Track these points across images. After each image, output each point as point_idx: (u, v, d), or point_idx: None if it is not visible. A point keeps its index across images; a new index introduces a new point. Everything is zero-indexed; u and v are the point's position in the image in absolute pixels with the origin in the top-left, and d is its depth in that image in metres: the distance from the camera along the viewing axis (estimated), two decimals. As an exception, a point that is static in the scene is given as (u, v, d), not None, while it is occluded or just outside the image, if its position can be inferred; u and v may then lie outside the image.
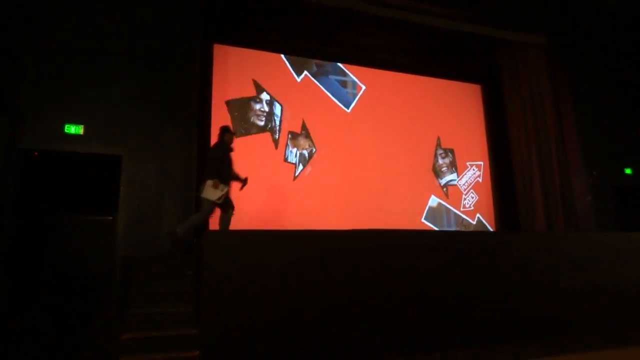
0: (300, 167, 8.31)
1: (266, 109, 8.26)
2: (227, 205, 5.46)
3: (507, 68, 9.55)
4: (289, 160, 8.25)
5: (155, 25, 6.27)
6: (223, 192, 5.19)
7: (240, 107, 8.09)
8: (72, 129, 5.67)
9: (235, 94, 8.03)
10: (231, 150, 5.60)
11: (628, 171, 8.77)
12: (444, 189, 9.35)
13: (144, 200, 5.78)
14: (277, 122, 8.30)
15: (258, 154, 7.97)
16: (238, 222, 6.36)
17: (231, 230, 5.33)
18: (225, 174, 5.35)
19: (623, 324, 4.99)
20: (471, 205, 9.55)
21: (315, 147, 8.48)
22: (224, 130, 5.70)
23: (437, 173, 9.37)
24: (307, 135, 8.48)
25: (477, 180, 9.78)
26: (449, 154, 9.56)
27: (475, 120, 10.14)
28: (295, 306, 3.83)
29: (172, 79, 6.19)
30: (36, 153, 5.61)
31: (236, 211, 5.66)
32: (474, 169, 9.81)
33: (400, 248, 4.34)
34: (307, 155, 8.40)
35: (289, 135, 8.35)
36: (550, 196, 8.52)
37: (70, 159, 5.76)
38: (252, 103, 8.21)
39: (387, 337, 3.98)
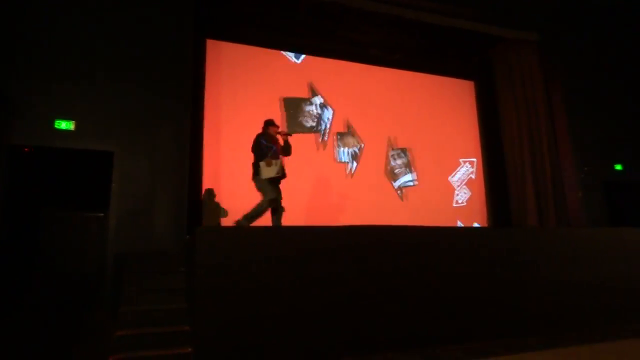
0: (354, 164, 8.73)
1: (318, 111, 8.62)
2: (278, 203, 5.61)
3: (500, 65, 9.59)
4: (341, 160, 8.64)
5: (147, 20, 6.22)
6: (278, 166, 5.48)
7: (294, 106, 8.43)
8: (63, 125, 5.60)
9: (229, 89, 7.99)
10: (275, 140, 5.71)
11: (618, 167, 8.84)
12: (399, 192, 9.09)
13: (136, 196, 5.74)
14: (327, 126, 8.66)
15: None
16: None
17: (224, 227, 5.31)
18: (267, 153, 5.51)
19: (614, 317, 5.04)
20: (464, 201, 9.60)
21: (363, 142, 8.85)
22: (268, 123, 5.80)
23: (391, 175, 9.12)
24: (354, 133, 8.78)
25: (470, 177, 9.82)
26: (402, 154, 9.34)
27: (468, 117, 10.17)
28: (289, 302, 3.83)
29: (164, 74, 6.15)
30: (27, 149, 5.55)
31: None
32: (467, 166, 9.84)
33: (395, 244, 4.35)
34: (357, 151, 8.77)
35: (338, 136, 8.67)
36: (542, 192, 8.59)
37: (61, 155, 5.69)
38: (303, 105, 8.51)
39: (383, 333, 4.00)
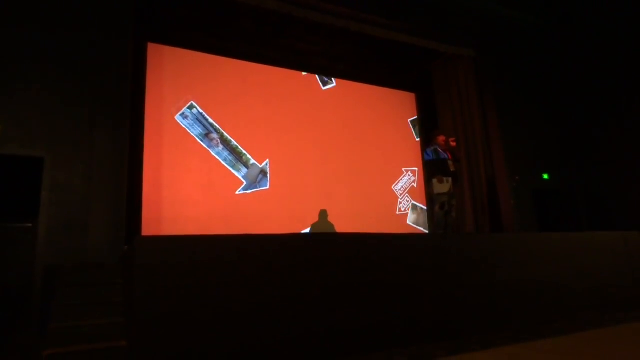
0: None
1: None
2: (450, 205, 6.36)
3: (439, 78, 10.03)
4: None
5: (84, 19, 5.90)
6: (449, 184, 6.17)
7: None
8: (-14, 128, 5.19)
9: (170, 94, 7.77)
10: (445, 148, 6.36)
11: (545, 176, 9.50)
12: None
13: (68, 205, 5.40)
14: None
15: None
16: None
17: (163, 236, 5.13)
18: (443, 170, 6.21)
19: (542, 316, 5.38)
20: (406, 209, 9.89)
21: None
22: (433, 135, 6.59)
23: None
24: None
25: (412, 186, 10.15)
26: None
27: (410, 127, 10.54)
28: (232, 314, 3.75)
29: (101, 75, 5.85)
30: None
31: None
32: (409, 175, 10.16)
33: (342, 250, 4.39)
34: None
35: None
36: (478, 200, 9.03)
37: (-16, 161, 5.25)
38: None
39: (324, 338, 4.01)
